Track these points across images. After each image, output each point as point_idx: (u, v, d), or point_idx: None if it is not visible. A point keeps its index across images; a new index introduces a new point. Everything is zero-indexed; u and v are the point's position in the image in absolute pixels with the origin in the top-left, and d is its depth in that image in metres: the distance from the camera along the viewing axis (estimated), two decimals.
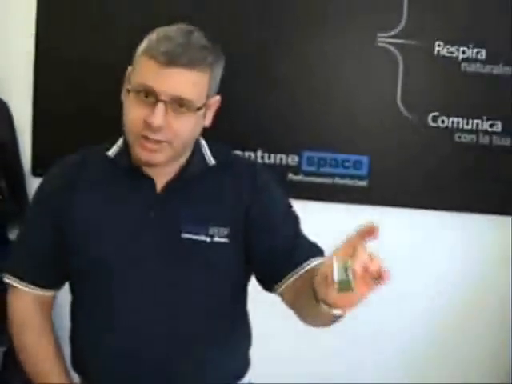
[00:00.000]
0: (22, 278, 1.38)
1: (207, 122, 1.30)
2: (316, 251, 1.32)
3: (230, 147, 1.51)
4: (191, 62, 1.19)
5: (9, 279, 1.39)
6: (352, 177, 2.05)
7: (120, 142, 1.36)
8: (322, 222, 2.08)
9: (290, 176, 2.05)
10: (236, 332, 1.41)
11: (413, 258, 2.11)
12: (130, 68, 1.28)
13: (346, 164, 2.05)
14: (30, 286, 1.38)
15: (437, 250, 2.14)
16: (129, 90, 1.24)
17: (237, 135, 1.99)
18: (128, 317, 1.30)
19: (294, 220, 1.38)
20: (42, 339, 1.39)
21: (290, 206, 1.40)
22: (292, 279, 1.29)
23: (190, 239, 1.28)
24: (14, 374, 1.94)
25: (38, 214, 1.38)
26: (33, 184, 1.99)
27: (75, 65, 1.98)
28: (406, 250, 2.09)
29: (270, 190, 1.36)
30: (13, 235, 1.98)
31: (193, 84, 1.21)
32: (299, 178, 2.05)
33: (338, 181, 2.06)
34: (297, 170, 2.05)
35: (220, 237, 1.29)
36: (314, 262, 1.28)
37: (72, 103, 2.00)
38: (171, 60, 1.18)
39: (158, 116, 1.18)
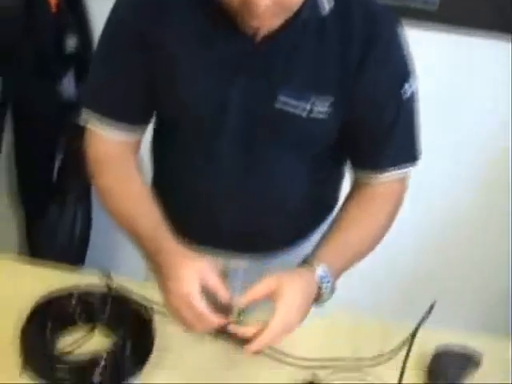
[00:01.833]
0: (104, 113, 1.19)
1: None
2: (403, 156, 1.21)
3: None
4: None
5: (88, 115, 1.21)
6: None
7: None
8: None
9: None
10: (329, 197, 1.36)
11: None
12: None
13: None
14: (112, 122, 1.20)
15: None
16: None
17: None
18: (219, 164, 1.19)
19: (406, 101, 1.16)
20: (132, 178, 1.23)
21: (407, 79, 1.15)
22: (361, 179, 1.24)
23: (286, 103, 1.11)
24: (70, 182, 2.02)
25: (119, 40, 1.16)
26: None
27: None
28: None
29: (385, 60, 1.12)
30: (70, 48, 1.94)
31: None
32: None
33: None
34: None
35: (321, 107, 1.12)
36: (389, 178, 1.20)
37: None
38: None
39: None
